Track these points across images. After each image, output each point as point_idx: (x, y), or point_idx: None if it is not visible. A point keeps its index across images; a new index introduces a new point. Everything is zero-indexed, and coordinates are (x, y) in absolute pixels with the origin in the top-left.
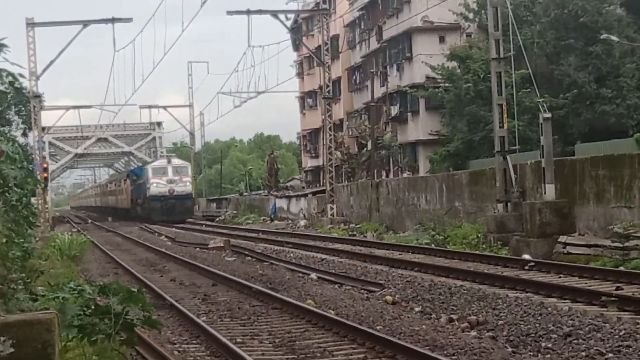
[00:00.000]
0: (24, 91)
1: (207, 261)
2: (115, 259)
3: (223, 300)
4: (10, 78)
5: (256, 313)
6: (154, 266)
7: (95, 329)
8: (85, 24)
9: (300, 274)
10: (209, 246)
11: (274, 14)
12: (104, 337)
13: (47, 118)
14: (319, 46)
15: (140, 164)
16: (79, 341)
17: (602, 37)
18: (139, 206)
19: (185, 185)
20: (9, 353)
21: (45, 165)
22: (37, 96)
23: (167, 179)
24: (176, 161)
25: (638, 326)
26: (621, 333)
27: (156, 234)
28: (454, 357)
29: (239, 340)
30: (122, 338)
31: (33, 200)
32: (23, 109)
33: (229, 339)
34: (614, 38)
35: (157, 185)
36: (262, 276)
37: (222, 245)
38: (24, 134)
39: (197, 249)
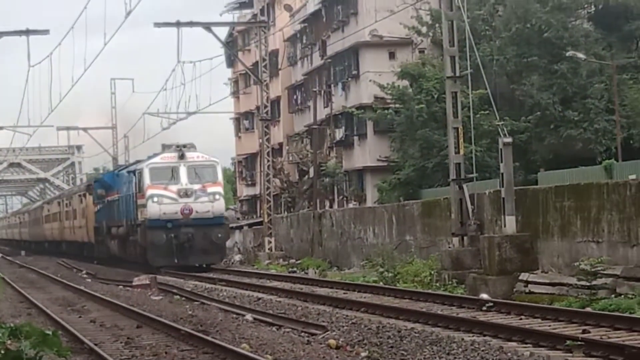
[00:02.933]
0: None
1: (131, 300)
2: (28, 297)
3: (148, 344)
4: None
5: (185, 358)
6: (72, 306)
7: None
8: None
9: (235, 315)
10: (133, 284)
11: (207, 26)
12: None
13: None
14: (257, 62)
15: (114, 169)
16: None
17: (568, 54)
18: (114, 239)
19: (213, 201)
20: None
21: None
22: None
23: (178, 188)
24: (195, 156)
25: None
26: None
27: (74, 269)
28: None
29: None
30: None
31: None
32: None
33: None
34: (580, 55)
35: (159, 201)
36: (192, 317)
37: (147, 282)
38: None
39: (120, 286)
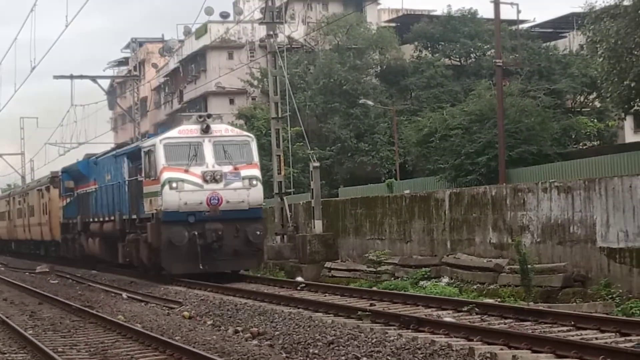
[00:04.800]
0: None
1: (35, 284)
2: None
3: (47, 316)
4: None
5: (75, 327)
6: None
7: None
8: None
9: (113, 294)
10: (36, 271)
11: (93, 78)
12: None
13: None
14: (131, 106)
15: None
16: None
17: (360, 101)
18: (94, 238)
19: (248, 188)
20: None
21: None
22: None
23: (203, 171)
24: (222, 129)
25: (386, 335)
26: (373, 340)
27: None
28: None
29: (60, 349)
30: None
31: None
32: None
33: (51, 349)
34: (369, 102)
35: (178, 188)
36: (81, 296)
37: (47, 270)
38: None
39: (27, 273)
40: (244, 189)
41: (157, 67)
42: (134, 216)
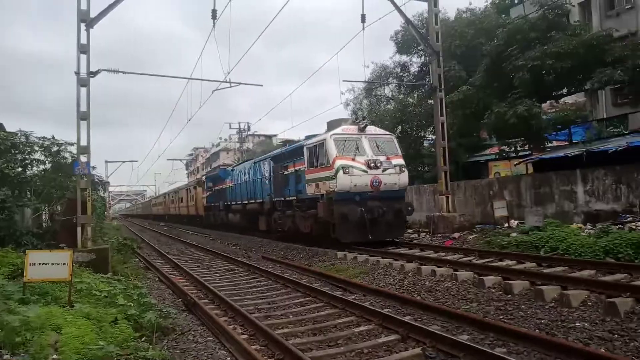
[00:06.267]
0: (99, 179)
1: (158, 229)
2: (129, 229)
3: (164, 240)
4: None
5: (172, 243)
6: (157, 239)
7: (123, 249)
8: None
9: (189, 232)
10: (160, 224)
11: (180, 160)
12: (125, 252)
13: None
14: (194, 169)
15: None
16: (117, 254)
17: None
18: (235, 213)
19: (399, 173)
20: (92, 258)
21: (109, 203)
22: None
23: (366, 160)
24: (373, 129)
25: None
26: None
27: (160, 224)
28: (225, 254)
29: (165, 251)
30: (131, 252)
31: (106, 212)
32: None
33: (163, 251)
34: None
35: (350, 172)
36: (174, 232)
37: (164, 224)
38: (103, 192)
39: (159, 225)
40: (396, 174)
41: (203, 157)
42: (290, 198)
